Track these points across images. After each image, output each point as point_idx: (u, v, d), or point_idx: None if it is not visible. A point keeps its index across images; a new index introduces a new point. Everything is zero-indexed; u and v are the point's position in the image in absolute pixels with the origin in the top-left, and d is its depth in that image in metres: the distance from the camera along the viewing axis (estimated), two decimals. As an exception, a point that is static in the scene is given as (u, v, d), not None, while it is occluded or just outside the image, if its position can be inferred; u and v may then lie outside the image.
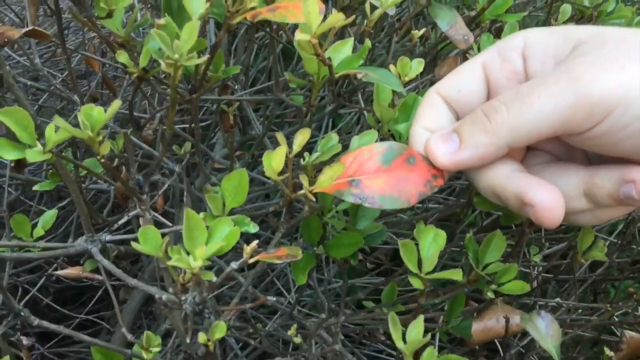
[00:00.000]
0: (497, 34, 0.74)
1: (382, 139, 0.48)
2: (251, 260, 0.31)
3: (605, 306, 0.57)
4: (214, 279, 0.32)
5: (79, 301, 1.17)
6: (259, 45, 1.06)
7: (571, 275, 0.58)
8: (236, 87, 0.74)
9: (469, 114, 0.40)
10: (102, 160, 0.35)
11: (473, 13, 0.64)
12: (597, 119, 0.35)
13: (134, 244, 0.32)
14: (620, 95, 0.34)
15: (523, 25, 0.97)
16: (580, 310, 0.77)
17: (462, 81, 0.42)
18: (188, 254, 0.33)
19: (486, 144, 0.38)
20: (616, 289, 1.01)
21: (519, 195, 0.38)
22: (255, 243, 0.31)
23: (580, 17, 0.74)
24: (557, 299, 0.63)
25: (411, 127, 0.43)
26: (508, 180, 0.39)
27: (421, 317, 0.38)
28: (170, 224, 0.48)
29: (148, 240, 0.34)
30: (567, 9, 0.66)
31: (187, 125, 0.98)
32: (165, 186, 0.51)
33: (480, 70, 0.42)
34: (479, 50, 0.68)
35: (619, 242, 0.74)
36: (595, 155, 0.42)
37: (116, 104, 0.33)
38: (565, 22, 0.68)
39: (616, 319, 0.62)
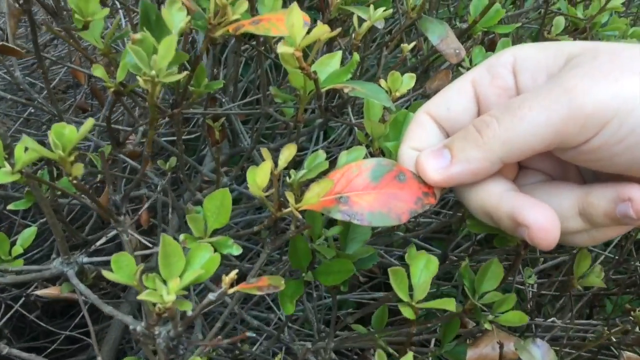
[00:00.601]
0: (490, 46, 0.73)
1: (372, 155, 0.46)
2: (230, 291, 0.29)
3: (603, 329, 0.55)
4: (190, 312, 0.30)
5: (69, 314, 1.15)
6: (249, 56, 1.04)
7: (567, 289, 0.56)
8: (224, 99, 0.72)
9: (460, 130, 0.39)
10: (75, 182, 0.33)
11: (465, 25, 0.62)
12: (591, 131, 0.34)
13: (105, 273, 0.30)
14: (615, 107, 0.33)
15: (516, 37, 0.96)
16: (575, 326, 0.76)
17: (451, 100, 0.41)
18: (165, 282, 0.31)
19: (478, 158, 0.36)
20: (613, 303, 1.00)
21: (512, 216, 0.36)
22: (234, 273, 0.29)
23: (574, 29, 0.73)
24: (553, 319, 0.61)
25: (400, 147, 0.41)
26: (501, 200, 0.37)
27: (410, 354, 0.36)
28: (151, 245, 0.46)
29: (122, 268, 0.32)
30: (560, 21, 0.65)
31: (174, 138, 0.96)
32: (149, 202, 0.49)
33: (470, 87, 0.41)
34: (470, 63, 0.67)
35: (616, 257, 0.72)
36: (590, 173, 0.41)
37: (89, 123, 0.31)
38: (558, 35, 0.67)
39: (614, 339, 0.60)
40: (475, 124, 0.37)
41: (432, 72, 0.85)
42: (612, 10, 0.68)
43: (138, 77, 0.33)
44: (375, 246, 0.83)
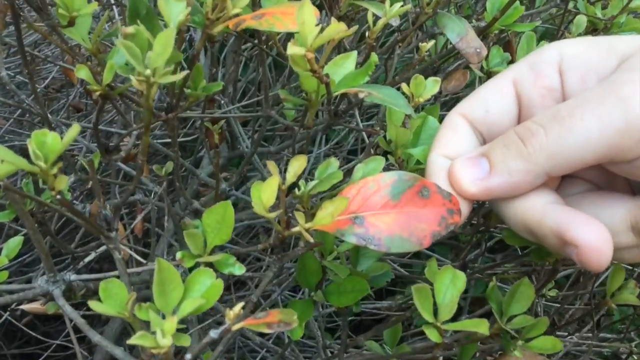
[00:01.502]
0: (505, 48, 0.69)
1: (392, 166, 0.43)
2: (235, 328, 0.25)
3: (629, 346, 0.51)
4: (188, 345, 0.26)
5: (62, 319, 1.11)
6: (249, 55, 1.00)
7: (599, 307, 0.52)
8: (222, 101, 0.68)
9: (500, 136, 0.35)
10: (59, 197, 0.29)
11: (482, 24, 0.59)
12: None
13: (92, 304, 0.26)
14: None
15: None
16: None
17: (489, 100, 0.37)
18: (160, 313, 0.27)
19: (521, 171, 0.33)
20: (621, 313, 0.96)
21: (558, 233, 0.32)
22: (240, 307, 0.25)
23: (593, 30, 0.70)
24: (575, 337, 0.57)
25: (429, 155, 0.37)
26: (545, 215, 0.33)
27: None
28: (144, 261, 0.42)
29: (111, 297, 0.28)
30: (582, 20, 0.61)
31: (169, 140, 0.91)
32: (144, 213, 0.45)
33: (511, 87, 0.37)
34: (486, 64, 0.63)
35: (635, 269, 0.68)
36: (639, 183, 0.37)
37: (75, 129, 0.27)
38: (579, 35, 0.63)
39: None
40: (519, 131, 0.33)
41: (440, 74, 0.81)
42: (631, 10, 0.64)
43: (131, 77, 0.29)
44: (386, 255, 0.80)
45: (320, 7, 0.55)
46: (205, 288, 0.29)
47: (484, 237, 0.87)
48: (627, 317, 0.81)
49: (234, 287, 1.03)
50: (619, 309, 0.93)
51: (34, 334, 0.98)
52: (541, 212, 0.33)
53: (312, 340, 0.97)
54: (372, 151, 0.55)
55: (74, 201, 0.73)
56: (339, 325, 1.16)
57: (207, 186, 0.89)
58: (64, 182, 0.28)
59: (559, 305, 0.73)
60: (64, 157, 0.56)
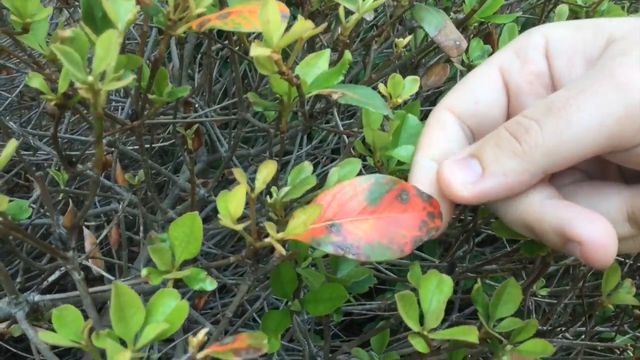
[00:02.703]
0: (486, 40, 0.67)
1: (373, 168, 0.40)
2: (199, 356, 0.23)
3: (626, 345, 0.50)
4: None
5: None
6: (224, 56, 0.98)
7: (593, 307, 0.51)
8: (197, 104, 0.66)
9: (489, 134, 0.33)
10: (0, 219, 0.27)
11: (461, 16, 0.57)
12: None
13: (42, 335, 0.24)
14: None
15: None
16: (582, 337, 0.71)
17: (477, 90, 0.35)
18: (120, 340, 0.25)
19: (517, 170, 0.31)
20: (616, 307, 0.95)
21: (560, 230, 0.31)
22: (203, 333, 0.23)
23: (574, 18, 0.68)
24: (568, 335, 0.56)
25: (414, 157, 0.35)
26: (544, 211, 0.31)
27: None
28: (113, 278, 0.39)
29: (66, 325, 0.26)
30: (563, 9, 0.59)
31: (147, 145, 0.89)
32: (112, 224, 0.43)
33: (497, 75, 0.35)
34: (467, 58, 0.61)
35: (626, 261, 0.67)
36: (633, 171, 0.35)
37: (11, 146, 0.25)
38: (560, 24, 0.62)
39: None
40: (510, 128, 0.31)
41: (421, 69, 0.79)
42: (615, -4, 0.63)
43: (77, 85, 0.26)
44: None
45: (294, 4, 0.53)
46: (169, 311, 0.26)
47: (472, 234, 0.86)
48: (620, 310, 0.79)
49: (218, 293, 1.01)
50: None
51: (14, 349, 0.95)
52: (540, 209, 0.32)
53: (299, 346, 0.95)
54: (352, 152, 0.53)
55: (47, 213, 0.70)
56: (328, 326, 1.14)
57: (187, 191, 0.87)
58: (3, 203, 0.25)
59: (550, 301, 0.72)
60: (29, 170, 0.54)
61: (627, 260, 0.74)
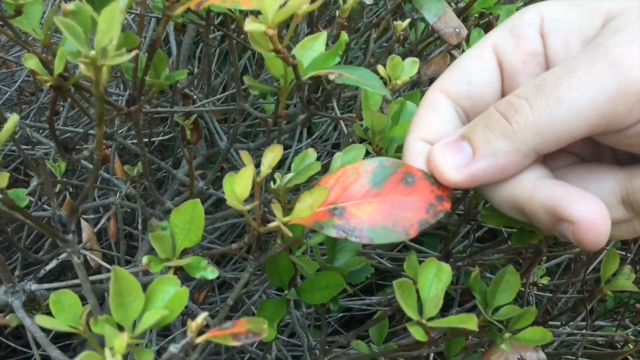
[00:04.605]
0: (487, 30, 0.67)
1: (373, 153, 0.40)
2: (198, 340, 0.23)
3: (625, 334, 0.49)
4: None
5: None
6: (225, 49, 0.97)
7: (593, 296, 0.50)
8: (195, 96, 0.65)
9: (480, 115, 0.32)
10: (0, 197, 0.26)
11: (461, 4, 0.56)
12: None
13: (40, 319, 0.23)
14: None
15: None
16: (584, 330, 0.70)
17: (471, 71, 0.34)
18: (119, 326, 0.24)
19: (508, 151, 0.30)
20: (616, 299, 0.95)
21: (552, 209, 0.30)
22: (202, 317, 0.23)
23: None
24: (568, 327, 0.55)
25: (406, 139, 0.34)
26: (536, 190, 0.31)
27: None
28: (110, 267, 0.38)
29: (64, 310, 0.25)
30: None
31: (146, 140, 0.88)
32: (108, 215, 0.42)
33: (491, 54, 0.34)
34: (468, 47, 0.60)
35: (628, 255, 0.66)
36: (627, 153, 0.34)
37: (12, 120, 0.24)
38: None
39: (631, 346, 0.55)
40: (500, 108, 0.31)
41: (422, 60, 0.78)
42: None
43: (78, 62, 0.26)
44: (369, 248, 0.77)
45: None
46: (168, 297, 0.26)
47: (472, 228, 0.85)
48: (621, 303, 0.79)
49: (218, 289, 1.01)
50: (613, 295, 0.92)
51: (13, 345, 0.94)
52: (532, 188, 0.31)
53: (300, 340, 0.94)
54: (352, 141, 0.52)
55: (45, 206, 0.70)
56: (328, 322, 1.13)
57: (187, 186, 0.86)
58: (3, 180, 0.25)
59: (551, 295, 0.71)
60: (29, 162, 0.53)
61: (628, 255, 0.73)
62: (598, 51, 0.29)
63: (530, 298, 0.85)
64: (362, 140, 0.40)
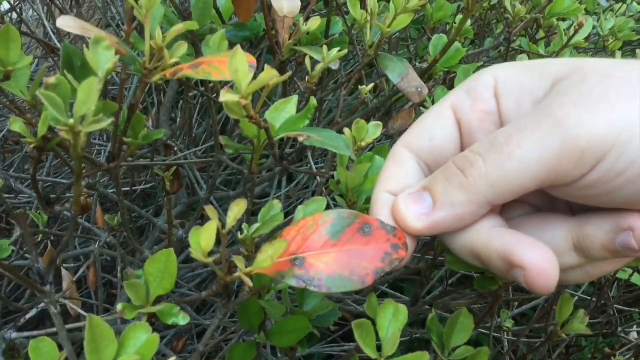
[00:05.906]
0: (452, 87, 0.71)
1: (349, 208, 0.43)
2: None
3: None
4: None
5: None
6: (202, 102, 1.01)
7: (550, 338, 0.52)
8: (176, 148, 0.68)
9: (440, 169, 0.35)
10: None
11: (425, 65, 0.60)
12: (588, 166, 0.30)
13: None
14: (613, 138, 0.29)
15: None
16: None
17: (432, 128, 0.37)
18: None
19: (464, 202, 0.33)
20: (591, 345, 0.97)
21: (505, 256, 0.32)
22: None
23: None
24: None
25: (374, 191, 0.37)
26: (491, 238, 0.33)
27: None
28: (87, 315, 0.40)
29: (42, 356, 0.27)
30: (523, 59, 0.63)
31: (128, 188, 0.91)
32: (87, 264, 0.44)
33: (450, 113, 0.37)
34: (433, 103, 0.64)
35: (593, 299, 0.69)
36: (579, 204, 0.37)
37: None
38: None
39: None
40: (458, 162, 0.33)
41: (394, 113, 0.82)
42: (575, 46, 0.67)
43: (58, 128, 0.28)
44: (344, 294, 0.79)
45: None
46: (140, 344, 0.28)
47: (446, 274, 0.88)
48: (597, 349, 0.81)
49: (197, 338, 1.01)
50: (588, 343, 0.94)
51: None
52: (487, 236, 0.33)
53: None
54: (326, 192, 0.55)
55: (27, 255, 0.71)
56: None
57: (167, 234, 0.88)
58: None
59: (525, 341, 0.73)
60: (11, 212, 0.55)
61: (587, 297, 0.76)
62: (544, 112, 0.31)
63: (505, 343, 0.87)
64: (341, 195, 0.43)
